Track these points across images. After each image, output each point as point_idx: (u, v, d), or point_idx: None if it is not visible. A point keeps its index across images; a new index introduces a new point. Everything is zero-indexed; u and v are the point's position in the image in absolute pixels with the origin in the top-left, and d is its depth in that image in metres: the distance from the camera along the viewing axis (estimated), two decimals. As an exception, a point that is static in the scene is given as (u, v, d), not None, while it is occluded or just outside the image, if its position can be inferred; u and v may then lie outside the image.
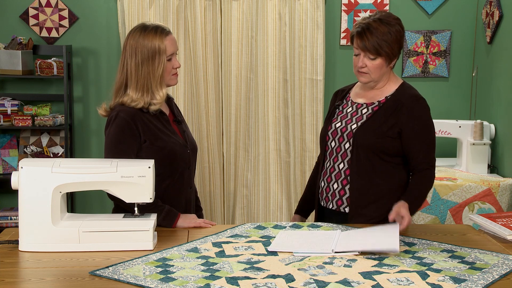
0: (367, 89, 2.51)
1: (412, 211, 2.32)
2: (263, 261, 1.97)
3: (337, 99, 2.61)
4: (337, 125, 2.50)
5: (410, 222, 2.26)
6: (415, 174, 2.43)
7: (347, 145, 2.45)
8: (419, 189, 2.42)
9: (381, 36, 2.35)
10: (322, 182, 2.55)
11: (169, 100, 2.55)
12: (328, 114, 2.61)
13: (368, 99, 2.49)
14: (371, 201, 2.43)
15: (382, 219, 2.42)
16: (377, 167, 2.42)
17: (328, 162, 2.53)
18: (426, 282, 1.81)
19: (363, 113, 2.47)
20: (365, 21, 2.39)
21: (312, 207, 2.69)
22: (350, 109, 2.52)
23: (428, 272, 1.89)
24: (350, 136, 2.44)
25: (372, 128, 2.41)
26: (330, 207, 2.52)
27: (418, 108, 2.41)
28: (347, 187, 2.45)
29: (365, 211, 2.44)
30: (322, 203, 2.57)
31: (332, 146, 2.51)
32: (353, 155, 2.42)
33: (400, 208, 2.27)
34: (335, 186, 2.49)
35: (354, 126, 2.45)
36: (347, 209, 2.46)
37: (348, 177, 2.44)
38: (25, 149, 4.55)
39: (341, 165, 2.47)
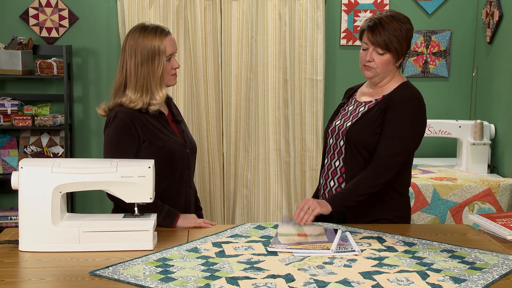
0: (373, 87, 2.51)
1: (334, 203, 2.33)
2: (263, 261, 1.97)
3: (344, 98, 2.63)
4: (336, 123, 2.52)
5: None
6: (364, 170, 2.40)
7: (341, 142, 2.46)
8: (350, 190, 2.37)
9: (392, 32, 2.36)
10: (321, 179, 2.57)
11: (168, 100, 2.55)
12: (333, 113, 2.63)
13: (369, 98, 2.50)
14: (368, 199, 2.42)
15: (377, 219, 2.43)
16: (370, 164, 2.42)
17: (326, 159, 2.55)
18: (426, 282, 1.81)
19: (360, 111, 2.48)
20: (377, 17, 2.40)
21: None
22: (352, 107, 2.53)
23: (428, 272, 1.89)
24: (344, 133, 2.45)
25: (364, 125, 2.41)
26: None
27: (405, 107, 2.37)
28: (343, 185, 2.46)
29: (362, 209, 2.44)
30: None
31: (330, 144, 2.52)
32: (347, 152, 2.43)
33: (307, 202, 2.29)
34: (332, 183, 2.50)
35: (349, 124, 2.45)
36: None
37: (344, 175, 2.45)
38: (25, 149, 4.55)
39: (337, 163, 2.48)
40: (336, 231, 2.23)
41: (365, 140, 2.40)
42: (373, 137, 2.40)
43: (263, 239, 2.19)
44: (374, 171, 2.36)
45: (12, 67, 4.28)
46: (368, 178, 2.36)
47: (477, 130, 4.04)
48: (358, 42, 4.57)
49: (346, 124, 2.47)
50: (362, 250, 2.08)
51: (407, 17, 2.44)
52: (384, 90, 2.48)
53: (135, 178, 2.11)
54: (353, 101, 2.57)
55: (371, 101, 2.47)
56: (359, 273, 1.88)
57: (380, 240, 2.20)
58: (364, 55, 2.43)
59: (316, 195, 2.65)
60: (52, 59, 4.45)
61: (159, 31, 2.38)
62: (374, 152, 2.38)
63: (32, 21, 4.50)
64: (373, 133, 2.40)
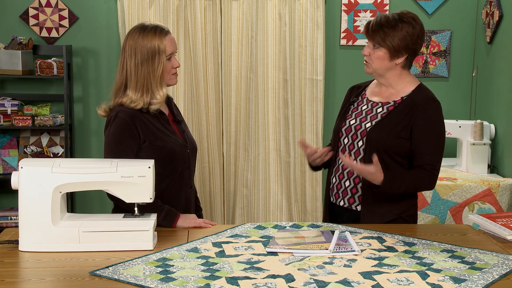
0: (383, 87, 2.51)
1: (385, 185, 2.32)
2: (263, 261, 1.97)
3: (352, 96, 2.62)
4: (351, 122, 2.51)
5: (353, 167, 2.29)
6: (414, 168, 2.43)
7: (360, 143, 2.45)
8: (409, 174, 2.39)
9: (387, 29, 2.38)
10: (334, 178, 2.55)
11: (168, 100, 2.55)
12: (342, 110, 2.61)
13: (384, 98, 2.50)
14: (383, 200, 2.43)
15: (394, 218, 2.44)
16: (390, 167, 2.41)
17: (340, 159, 2.52)
18: (426, 282, 1.81)
19: (378, 112, 2.47)
20: (381, 14, 2.44)
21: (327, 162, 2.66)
22: (365, 107, 2.52)
23: (428, 272, 1.89)
24: (363, 134, 2.45)
25: (386, 128, 2.41)
26: (341, 204, 2.52)
27: (431, 110, 2.41)
28: (359, 185, 2.46)
29: (377, 210, 2.44)
30: (332, 199, 2.57)
31: (345, 143, 2.51)
32: (366, 153, 2.42)
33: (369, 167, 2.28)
34: (347, 183, 2.49)
35: (368, 125, 2.45)
36: (359, 207, 2.47)
37: (361, 176, 2.44)
38: (25, 149, 4.55)
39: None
40: (333, 232, 2.23)
41: (387, 143, 2.40)
42: (396, 140, 2.40)
43: (263, 239, 2.19)
44: (431, 179, 2.40)
45: (12, 67, 4.28)
46: (425, 181, 2.40)
47: (477, 130, 4.04)
48: (358, 42, 4.57)
49: (365, 124, 2.46)
50: (362, 250, 2.08)
51: (414, 18, 2.42)
52: (399, 92, 2.47)
53: (135, 178, 2.11)
54: (364, 100, 2.55)
55: (388, 103, 2.47)
56: (359, 273, 1.88)
57: (380, 240, 2.20)
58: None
59: (327, 196, 2.62)
60: (52, 59, 4.45)
61: (159, 31, 2.38)
62: (418, 161, 2.40)
63: (32, 21, 4.50)
64: (397, 137, 2.40)
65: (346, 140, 2.50)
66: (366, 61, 2.46)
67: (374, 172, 2.28)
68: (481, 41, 4.46)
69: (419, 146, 2.40)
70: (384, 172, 2.30)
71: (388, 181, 2.31)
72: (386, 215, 2.45)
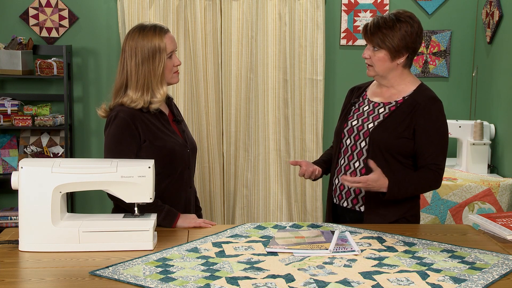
0: (384, 88, 2.51)
1: (392, 192, 2.32)
2: (263, 261, 1.97)
3: (353, 96, 2.61)
4: (353, 123, 2.50)
5: (353, 181, 2.28)
6: (420, 169, 2.43)
7: (363, 144, 2.45)
8: (415, 176, 2.39)
9: (386, 30, 2.37)
10: (336, 179, 2.55)
11: (168, 100, 2.55)
12: (343, 111, 2.60)
13: (385, 99, 2.49)
14: (387, 200, 2.42)
15: (397, 219, 2.44)
16: (393, 167, 2.41)
17: (343, 160, 2.52)
18: (426, 282, 1.81)
19: (380, 112, 2.47)
20: (379, 15, 2.44)
21: (329, 168, 2.67)
22: (367, 107, 2.52)
23: (428, 272, 1.89)
24: (366, 135, 2.44)
25: (389, 128, 2.41)
26: (344, 205, 2.52)
27: (433, 110, 2.41)
28: None
29: (381, 211, 2.44)
30: (335, 201, 2.57)
31: (347, 144, 2.51)
32: (369, 154, 2.42)
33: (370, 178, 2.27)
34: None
35: (370, 125, 2.45)
36: (362, 208, 2.47)
37: (367, 188, 2.42)
38: (25, 149, 4.55)
39: (357, 164, 2.47)
40: (333, 232, 2.23)
41: (389, 143, 2.40)
42: (398, 140, 2.40)
43: (263, 239, 2.19)
44: (437, 179, 2.40)
45: (12, 67, 4.28)
46: (431, 181, 2.41)
47: (477, 130, 4.04)
48: (358, 42, 4.57)
49: (367, 125, 2.46)
50: (362, 250, 2.08)
51: (411, 17, 2.42)
52: (401, 92, 2.47)
53: (135, 178, 2.11)
54: (366, 100, 2.55)
55: (390, 103, 2.47)
56: (359, 273, 1.88)
57: (380, 240, 2.20)
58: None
59: (330, 197, 2.61)
60: (52, 59, 4.45)
61: (158, 30, 2.39)
62: (422, 161, 2.40)
63: (32, 21, 4.50)
64: (399, 137, 2.40)
65: (348, 141, 2.50)
66: (368, 64, 2.45)
67: (378, 178, 2.28)
68: (481, 41, 4.46)
69: (423, 146, 2.40)
70: (389, 178, 2.30)
71: (393, 186, 2.31)
72: (389, 215, 2.45)
